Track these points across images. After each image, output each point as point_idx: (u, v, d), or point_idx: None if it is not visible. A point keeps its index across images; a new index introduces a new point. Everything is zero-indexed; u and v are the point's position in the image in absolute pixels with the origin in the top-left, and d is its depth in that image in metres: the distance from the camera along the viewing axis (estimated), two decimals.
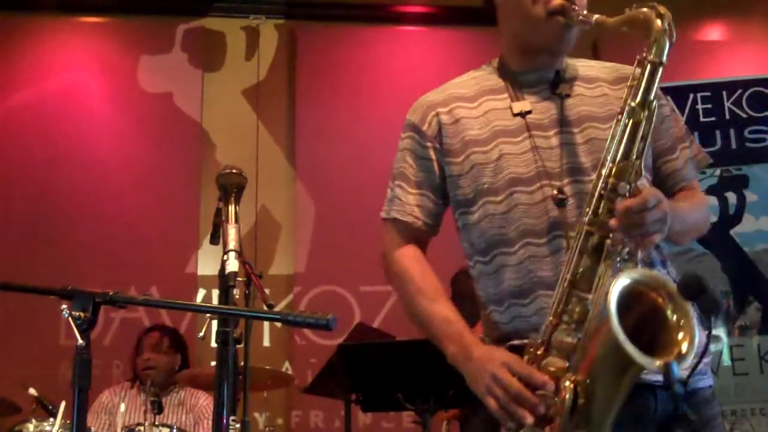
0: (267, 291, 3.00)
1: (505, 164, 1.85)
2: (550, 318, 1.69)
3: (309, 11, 6.07)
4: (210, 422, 4.04)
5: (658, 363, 1.51)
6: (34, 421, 3.59)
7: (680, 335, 1.56)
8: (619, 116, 1.73)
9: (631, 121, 1.71)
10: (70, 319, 1.76)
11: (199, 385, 4.10)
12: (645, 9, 1.73)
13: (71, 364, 1.76)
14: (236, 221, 2.12)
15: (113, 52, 5.74)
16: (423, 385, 3.08)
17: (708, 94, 5.01)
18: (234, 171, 2.24)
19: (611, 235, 1.67)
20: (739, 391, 4.44)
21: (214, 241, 2.30)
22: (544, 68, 1.92)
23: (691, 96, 5.00)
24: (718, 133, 4.94)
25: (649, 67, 1.71)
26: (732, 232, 4.72)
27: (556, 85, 1.91)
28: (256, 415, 5.14)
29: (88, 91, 5.64)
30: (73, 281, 1.84)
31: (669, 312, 1.59)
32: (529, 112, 1.87)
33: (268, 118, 5.80)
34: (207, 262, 5.38)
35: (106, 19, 5.88)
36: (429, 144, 1.94)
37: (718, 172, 4.81)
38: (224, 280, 2.01)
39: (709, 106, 4.97)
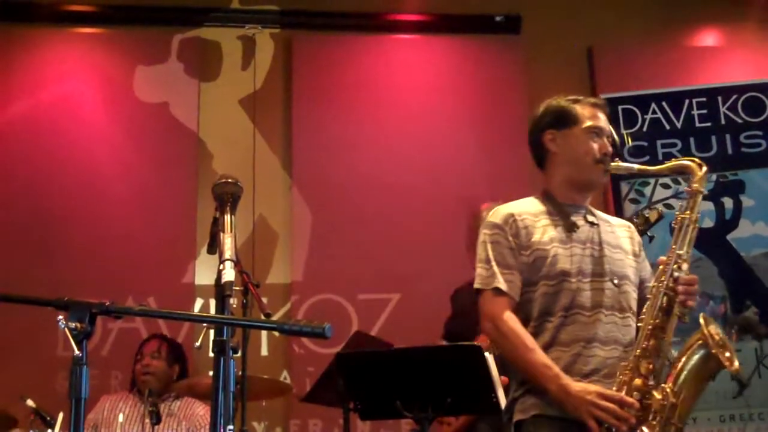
0: (264, 300, 3.00)
1: (556, 261, 2.60)
2: (637, 351, 2.47)
3: (304, 20, 6.06)
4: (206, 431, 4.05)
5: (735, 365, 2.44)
6: None
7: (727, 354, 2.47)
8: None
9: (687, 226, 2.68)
10: (66, 330, 1.76)
11: (197, 395, 4.09)
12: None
13: (69, 375, 1.76)
14: (232, 230, 2.12)
15: (109, 62, 5.73)
16: (421, 393, 3.07)
17: (704, 99, 5.03)
18: (229, 180, 2.24)
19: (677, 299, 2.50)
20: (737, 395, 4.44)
21: (211, 250, 2.30)
22: (580, 203, 2.73)
23: (687, 102, 5.02)
24: (714, 138, 4.95)
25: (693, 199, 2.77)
26: (728, 237, 4.73)
27: (586, 217, 2.71)
28: (255, 424, 5.13)
29: (85, 102, 5.63)
30: (70, 292, 1.84)
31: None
32: (575, 229, 2.66)
33: (264, 127, 5.79)
34: (204, 272, 5.37)
35: (102, 29, 5.88)
36: (511, 239, 2.65)
37: (714, 177, 4.82)
38: (220, 290, 2.01)
39: (705, 111, 4.98)
